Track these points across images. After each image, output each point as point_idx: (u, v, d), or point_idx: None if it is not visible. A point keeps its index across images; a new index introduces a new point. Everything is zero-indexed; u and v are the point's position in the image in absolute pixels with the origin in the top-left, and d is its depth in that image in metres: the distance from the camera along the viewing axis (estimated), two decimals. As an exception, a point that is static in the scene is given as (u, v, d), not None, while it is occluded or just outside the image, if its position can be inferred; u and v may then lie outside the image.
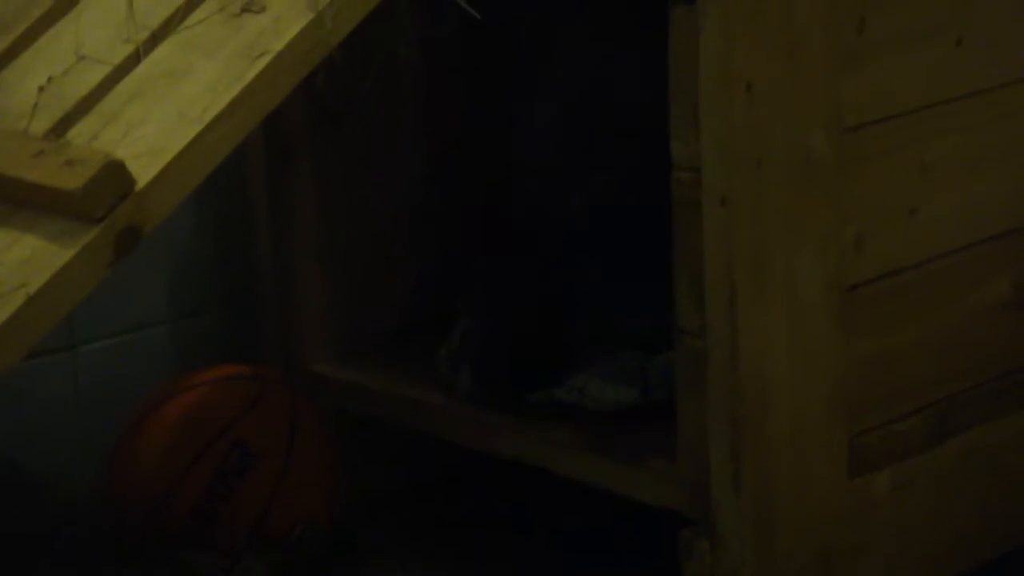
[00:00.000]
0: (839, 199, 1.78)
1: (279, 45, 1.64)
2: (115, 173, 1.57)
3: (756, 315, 1.74)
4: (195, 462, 1.92)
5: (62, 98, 1.69)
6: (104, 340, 2.13)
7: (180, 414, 1.95)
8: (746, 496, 1.75)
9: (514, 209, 1.96)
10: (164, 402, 1.96)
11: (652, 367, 1.87)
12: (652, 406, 1.88)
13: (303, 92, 1.91)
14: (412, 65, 1.93)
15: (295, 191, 2.09)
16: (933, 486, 1.90)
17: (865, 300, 1.83)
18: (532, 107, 1.94)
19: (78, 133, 1.66)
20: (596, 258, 1.94)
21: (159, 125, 1.63)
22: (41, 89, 1.70)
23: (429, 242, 2.16)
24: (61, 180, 1.58)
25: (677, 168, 1.72)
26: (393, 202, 2.15)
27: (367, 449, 2.12)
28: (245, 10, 1.68)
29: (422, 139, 2.15)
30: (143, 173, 1.59)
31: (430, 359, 2.03)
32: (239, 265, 2.19)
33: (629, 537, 2.01)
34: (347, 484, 2.03)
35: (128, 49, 1.71)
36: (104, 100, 1.68)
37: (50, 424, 2.10)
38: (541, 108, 1.93)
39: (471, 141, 2.06)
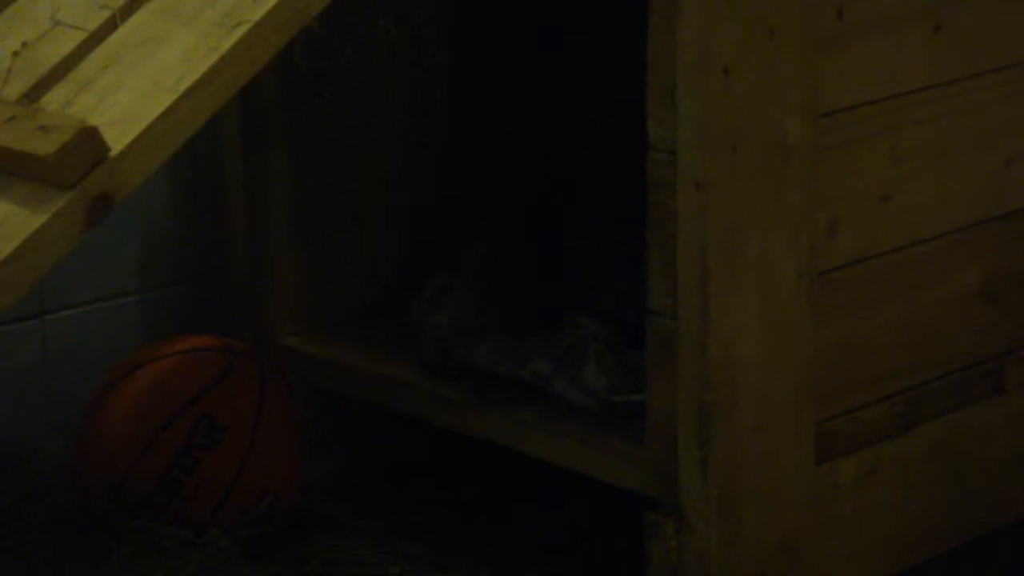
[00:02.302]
0: (813, 184, 1.78)
1: (257, 15, 1.63)
2: (89, 139, 1.56)
3: (728, 298, 1.74)
4: (161, 433, 1.91)
5: (37, 63, 1.68)
6: (73, 309, 2.12)
7: (148, 384, 1.94)
8: (713, 479, 1.75)
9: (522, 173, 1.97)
10: (132, 372, 1.96)
11: (620, 404, 1.87)
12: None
13: (280, 66, 1.91)
14: (390, 37, 1.93)
15: (270, 166, 2.08)
16: (899, 474, 1.91)
17: (836, 286, 1.83)
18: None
19: (52, 99, 1.65)
20: (584, 225, 1.94)
21: (134, 93, 1.62)
22: (15, 54, 1.70)
23: (405, 221, 2.16)
24: (34, 145, 1.57)
25: (653, 149, 1.72)
26: (369, 179, 2.14)
27: (338, 425, 2.12)
28: (223, -21, 1.68)
29: (399, 113, 2.14)
30: (117, 140, 1.58)
31: (401, 337, 2.03)
32: (211, 237, 2.18)
33: (596, 517, 2.01)
34: (316, 460, 2.02)
35: (104, 15, 1.70)
36: (79, 66, 1.67)
37: (17, 392, 2.09)
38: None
39: (474, 112, 2.06)
